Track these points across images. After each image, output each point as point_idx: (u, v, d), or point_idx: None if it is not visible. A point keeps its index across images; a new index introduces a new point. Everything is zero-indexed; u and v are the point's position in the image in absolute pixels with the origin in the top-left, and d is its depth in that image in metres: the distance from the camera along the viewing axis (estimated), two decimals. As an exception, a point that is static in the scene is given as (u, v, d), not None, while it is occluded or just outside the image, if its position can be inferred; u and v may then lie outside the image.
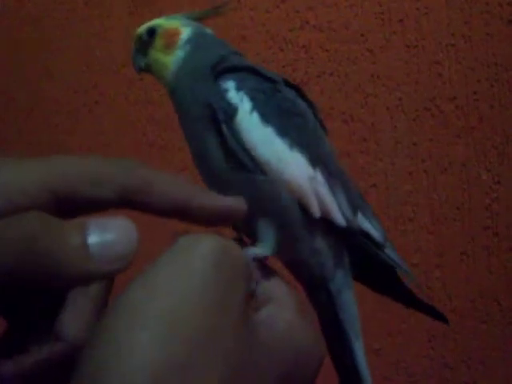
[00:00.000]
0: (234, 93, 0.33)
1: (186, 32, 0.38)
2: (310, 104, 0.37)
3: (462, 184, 0.72)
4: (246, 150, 0.32)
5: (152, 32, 0.38)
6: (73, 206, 0.24)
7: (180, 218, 0.25)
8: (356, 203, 0.35)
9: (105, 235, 0.22)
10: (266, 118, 0.33)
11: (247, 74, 0.35)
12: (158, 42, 0.38)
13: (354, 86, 0.75)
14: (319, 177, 0.33)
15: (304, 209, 0.33)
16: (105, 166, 0.24)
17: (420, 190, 0.73)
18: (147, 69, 0.39)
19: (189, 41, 0.37)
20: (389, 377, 0.75)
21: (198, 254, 0.21)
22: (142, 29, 0.39)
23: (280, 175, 0.32)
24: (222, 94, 0.33)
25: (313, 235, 0.34)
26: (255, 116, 0.32)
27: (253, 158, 0.32)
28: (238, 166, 0.32)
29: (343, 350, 0.37)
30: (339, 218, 0.34)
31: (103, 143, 0.96)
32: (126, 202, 0.24)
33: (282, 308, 0.26)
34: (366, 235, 0.35)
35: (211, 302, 0.21)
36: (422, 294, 0.40)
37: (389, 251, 0.37)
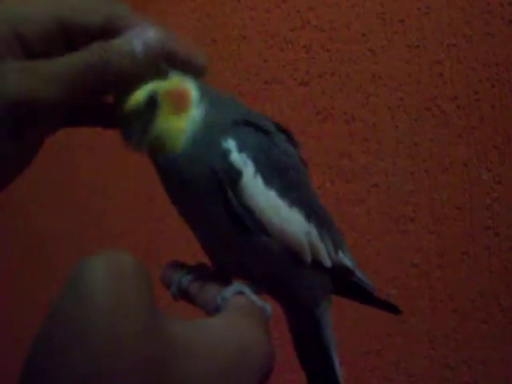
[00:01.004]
0: (236, 155, 0.32)
1: (193, 88, 0.34)
2: (296, 145, 0.39)
3: (463, 184, 0.72)
4: (251, 213, 0.33)
5: (153, 100, 0.32)
6: (72, 33, 0.31)
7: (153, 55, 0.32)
8: (337, 244, 0.40)
9: (144, 39, 0.31)
10: (268, 181, 0.33)
11: (245, 127, 0.34)
12: (165, 107, 0.32)
13: (356, 85, 0.75)
14: (313, 230, 0.37)
15: (298, 257, 0.36)
16: (93, 1, 0.32)
17: (421, 189, 0.73)
18: (149, 145, 0.33)
19: (201, 97, 0.33)
20: (389, 377, 0.75)
21: (87, 278, 0.23)
22: (136, 103, 0.32)
23: (282, 235, 0.34)
24: (225, 155, 0.32)
25: (304, 275, 0.38)
26: (259, 179, 0.33)
27: (256, 220, 0.33)
28: (241, 229, 0.33)
29: (325, 363, 0.41)
30: (327, 261, 0.38)
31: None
32: (110, 26, 0.32)
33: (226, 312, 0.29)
34: (344, 267, 0.41)
35: (108, 312, 0.22)
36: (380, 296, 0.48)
37: (359, 274, 0.43)
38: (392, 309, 0.47)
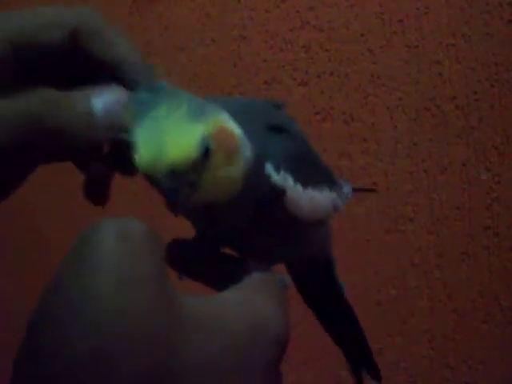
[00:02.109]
0: (275, 175, 0.31)
1: (234, 125, 0.28)
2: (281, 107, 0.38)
3: (462, 184, 0.72)
4: (292, 217, 0.33)
5: (207, 150, 0.26)
6: (29, 54, 0.27)
7: (110, 71, 0.28)
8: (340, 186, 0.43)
9: (106, 99, 0.26)
10: (304, 182, 0.33)
11: (270, 137, 0.32)
12: (218, 156, 0.26)
13: (355, 85, 0.75)
14: (334, 195, 0.38)
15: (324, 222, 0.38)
16: (57, 12, 0.27)
17: (420, 189, 0.73)
18: (198, 201, 0.27)
19: (245, 149, 0.29)
20: (389, 377, 0.75)
21: (94, 243, 0.21)
22: (187, 155, 0.25)
23: (315, 217, 0.35)
24: (267, 181, 0.30)
25: (326, 231, 0.40)
26: (298, 186, 0.32)
27: (296, 220, 0.33)
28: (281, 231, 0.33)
29: (344, 307, 0.43)
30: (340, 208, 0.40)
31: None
32: (74, 45, 0.27)
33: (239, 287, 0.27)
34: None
35: (115, 281, 0.20)
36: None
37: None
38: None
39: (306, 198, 0.33)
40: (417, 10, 0.72)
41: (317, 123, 0.76)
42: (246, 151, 0.29)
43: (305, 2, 0.77)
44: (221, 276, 0.31)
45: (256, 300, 0.26)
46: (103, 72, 0.28)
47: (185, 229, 0.34)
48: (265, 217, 0.31)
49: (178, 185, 0.25)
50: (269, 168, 0.30)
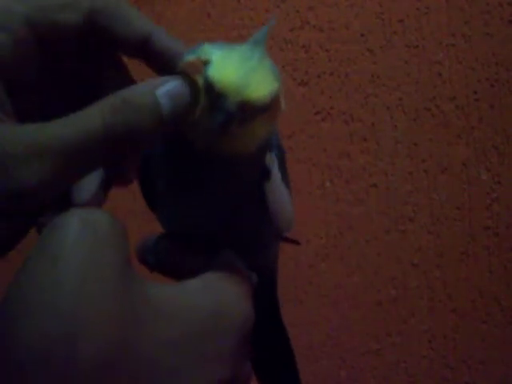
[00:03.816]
0: (269, 155, 0.30)
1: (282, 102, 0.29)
2: None
3: (462, 184, 0.72)
4: (267, 208, 0.32)
5: (272, 101, 0.27)
6: (48, 37, 0.26)
7: (136, 51, 0.27)
8: None
9: (169, 87, 0.25)
10: (282, 176, 0.32)
11: None
12: (269, 114, 0.28)
13: (355, 85, 0.75)
14: (291, 209, 0.36)
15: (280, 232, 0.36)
16: None
17: (420, 189, 0.73)
18: (233, 142, 0.27)
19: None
20: (389, 377, 0.75)
21: (58, 235, 0.22)
22: (262, 97, 0.26)
23: (279, 223, 0.33)
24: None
25: (277, 245, 0.37)
26: (278, 176, 0.32)
27: (268, 213, 0.32)
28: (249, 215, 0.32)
29: (279, 325, 0.40)
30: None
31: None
32: (93, 25, 0.26)
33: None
34: None
35: (78, 271, 0.21)
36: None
37: None
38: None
39: (281, 192, 0.32)
40: (417, 10, 0.73)
41: (317, 123, 0.76)
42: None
43: (305, 2, 0.77)
44: (192, 270, 0.31)
45: (220, 287, 0.26)
46: (126, 49, 0.27)
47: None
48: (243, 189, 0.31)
49: (235, 114, 0.25)
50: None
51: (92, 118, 0.23)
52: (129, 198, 0.82)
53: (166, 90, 0.25)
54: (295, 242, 0.42)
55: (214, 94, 0.26)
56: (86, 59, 0.28)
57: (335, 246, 0.76)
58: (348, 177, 0.76)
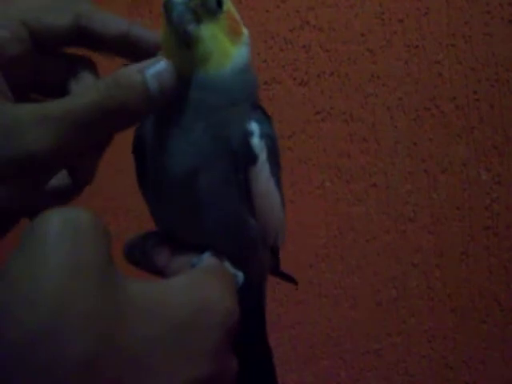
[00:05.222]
0: (257, 140, 0.31)
1: (245, 31, 0.32)
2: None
3: (462, 184, 0.72)
4: (250, 198, 0.32)
5: (220, 4, 0.30)
6: (40, 38, 0.30)
7: (118, 47, 0.31)
8: None
9: (156, 69, 0.28)
10: (271, 169, 0.32)
11: (260, 111, 0.33)
12: (224, 21, 0.30)
13: (355, 85, 0.75)
14: (283, 217, 0.36)
15: (266, 239, 0.35)
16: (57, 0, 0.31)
17: (420, 189, 0.73)
18: (194, 42, 0.29)
19: (247, 43, 0.32)
20: (389, 377, 0.75)
21: (39, 233, 0.22)
22: None
23: (267, 224, 0.33)
24: (248, 137, 0.31)
25: (265, 254, 0.36)
26: (267, 167, 0.32)
27: (252, 206, 0.32)
28: (233, 207, 0.32)
29: (262, 333, 0.40)
30: (280, 242, 0.37)
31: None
32: (79, 27, 0.30)
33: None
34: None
35: (59, 269, 0.21)
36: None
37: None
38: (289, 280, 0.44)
39: (267, 186, 0.32)
40: (417, 10, 0.73)
41: (317, 123, 0.76)
42: (244, 51, 0.31)
43: (305, 2, 0.77)
44: (177, 268, 0.31)
45: (204, 285, 0.27)
46: (108, 46, 0.32)
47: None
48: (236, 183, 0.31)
49: (190, 11, 0.28)
50: (253, 126, 0.31)
51: (90, 93, 0.27)
52: (129, 197, 0.82)
53: (153, 70, 0.28)
54: (292, 281, 0.42)
55: (168, 8, 0.28)
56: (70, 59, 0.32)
57: (335, 246, 0.76)
58: (348, 177, 0.76)
